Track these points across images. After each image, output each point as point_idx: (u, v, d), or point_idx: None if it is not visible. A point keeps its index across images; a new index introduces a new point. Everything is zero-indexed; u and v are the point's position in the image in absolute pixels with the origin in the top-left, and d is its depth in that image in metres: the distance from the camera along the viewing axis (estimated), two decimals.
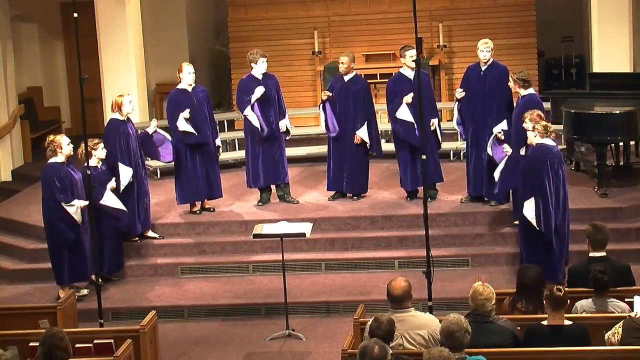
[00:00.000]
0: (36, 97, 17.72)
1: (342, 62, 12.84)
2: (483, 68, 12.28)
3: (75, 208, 11.10)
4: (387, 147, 15.19)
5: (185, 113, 12.35)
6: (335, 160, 12.91)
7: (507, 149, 11.37)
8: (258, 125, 12.58)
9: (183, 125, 12.33)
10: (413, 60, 11.90)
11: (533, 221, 10.38)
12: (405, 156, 12.57)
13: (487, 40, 12.33)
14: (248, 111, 12.60)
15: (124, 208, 11.63)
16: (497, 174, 11.51)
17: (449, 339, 7.22)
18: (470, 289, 7.93)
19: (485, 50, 12.21)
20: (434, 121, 12.47)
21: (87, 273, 11.34)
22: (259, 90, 12.54)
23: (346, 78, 12.85)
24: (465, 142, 12.66)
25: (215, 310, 11.30)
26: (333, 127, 12.82)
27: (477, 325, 7.57)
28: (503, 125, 11.93)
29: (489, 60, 12.23)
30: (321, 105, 12.88)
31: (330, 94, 12.78)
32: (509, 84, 11.79)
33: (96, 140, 11.58)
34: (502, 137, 11.79)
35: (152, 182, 13.75)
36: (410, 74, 12.32)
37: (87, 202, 10.98)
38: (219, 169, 12.89)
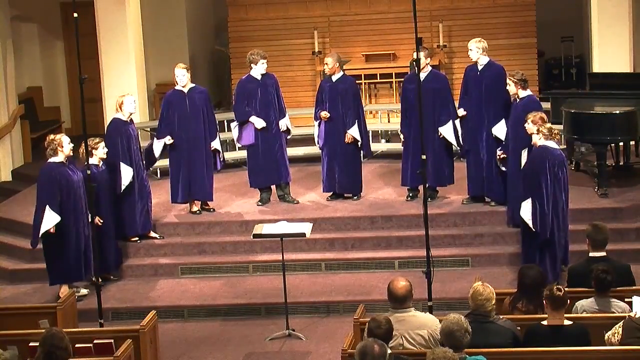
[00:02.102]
0: (36, 97, 17.70)
1: (326, 64, 12.86)
2: (480, 68, 12.27)
3: (52, 217, 10.96)
4: (385, 146, 15.23)
5: (167, 139, 12.48)
6: (328, 162, 12.90)
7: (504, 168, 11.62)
8: (235, 138, 12.91)
9: (157, 149, 12.58)
10: (414, 60, 11.87)
11: (529, 222, 10.38)
12: (405, 154, 12.59)
13: (476, 40, 12.25)
14: (234, 125, 12.84)
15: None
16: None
17: (449, 339, 7.22)
18: (470, 289, 7.93)
19: (469, 49, 12.19)
20: (441, 130, 12.32)
21: (80, 273, 11.28)
22: (260, 124, 12.63)
23: (334, 78, 12.83)
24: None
25: (215, 310, 11.30)
26: (323, 140, 12.92)
27: (477, 325, 7.57)
28: (501, 126, 11.91)
29: (479, 58, 12.21)
30: (318, 122, 12.88)
31: (329, 115, 12.76)
32: (507, 87, 11.74)
33: (97, 140, 11.58)
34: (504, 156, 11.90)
35: (152, 182, 13.72)
36: (422, 75, 12.24)
37: (56, 221, 10.92)
38: (211, 170, 12.76)
